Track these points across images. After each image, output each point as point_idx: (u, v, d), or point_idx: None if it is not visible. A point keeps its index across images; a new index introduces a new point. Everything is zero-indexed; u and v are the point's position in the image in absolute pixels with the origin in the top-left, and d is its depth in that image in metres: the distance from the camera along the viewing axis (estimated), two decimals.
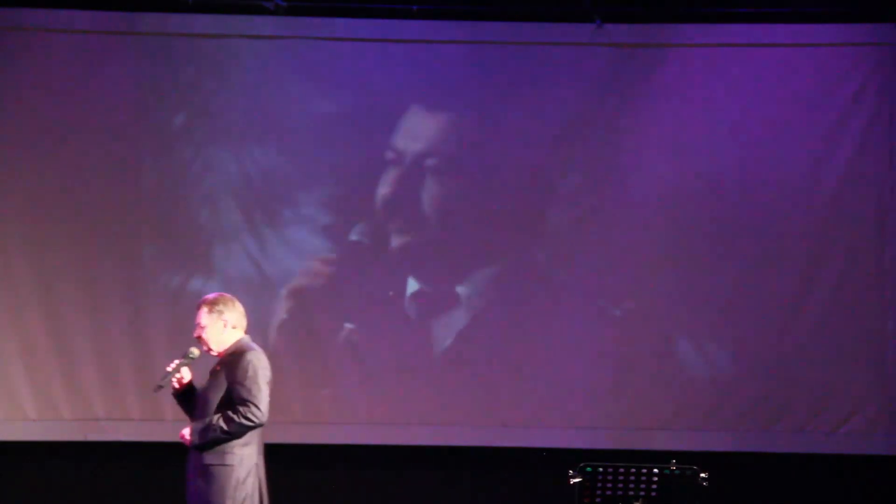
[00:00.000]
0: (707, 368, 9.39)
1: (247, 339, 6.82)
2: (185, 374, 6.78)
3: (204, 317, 6.75)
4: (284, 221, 9.39)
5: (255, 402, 6.56)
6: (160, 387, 6.76)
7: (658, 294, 9.38)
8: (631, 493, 7.43)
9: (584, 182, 9.43)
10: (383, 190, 9.43)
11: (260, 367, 6.65)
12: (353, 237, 9.43)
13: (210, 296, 6.87)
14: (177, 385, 6.77)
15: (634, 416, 9.33)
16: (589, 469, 7.47)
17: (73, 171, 9.32)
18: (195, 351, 6.82)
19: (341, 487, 9.45)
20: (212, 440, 6.57)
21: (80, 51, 9.32)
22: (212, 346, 6.76)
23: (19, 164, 9.31)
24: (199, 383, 6.82)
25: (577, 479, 7.47)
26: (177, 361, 6.76)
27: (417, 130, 9.44)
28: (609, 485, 7.45)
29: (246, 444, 6.63)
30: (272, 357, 6.88)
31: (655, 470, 7.42)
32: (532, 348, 9.38)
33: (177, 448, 9.07)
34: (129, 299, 9.30)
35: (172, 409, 9.15)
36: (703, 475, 7.42)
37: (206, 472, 6.58)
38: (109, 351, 9.27)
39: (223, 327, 6.75)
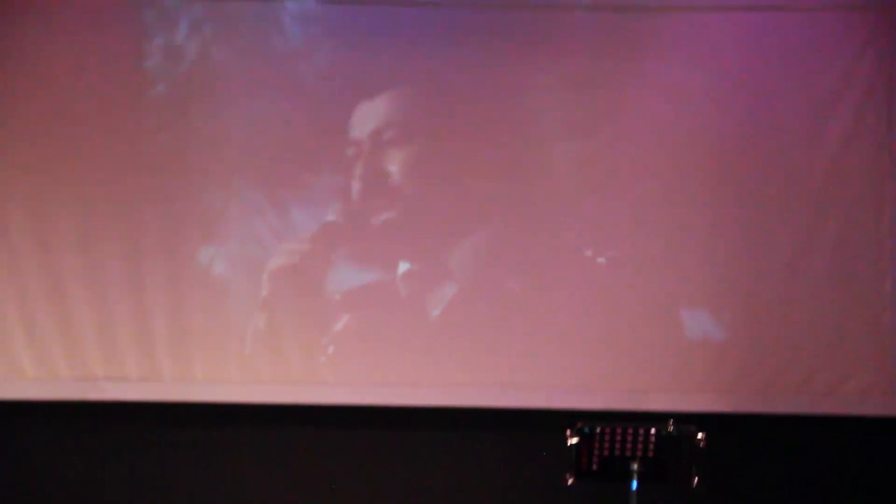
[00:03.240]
0: (704, 330, 9.40)
1: None
2: None
3: None
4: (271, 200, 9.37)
5: None
6: None
7: (655, 255, 9.37)
8: (628, 453, 7.46)
9: (576, 136, 9.41)
10: (359, 167, 9.42)
11: None
12: (330, 217, 9.42)
13: None
14: None
15: (631, 377, 9.34)
16: (586, 430, 7.49)
17: (77, 130, 9.26)
18: None
19: (340, 447, 9.46)
20: None
21: (82, 14, 9.30)
22: None
23: (21, 122, 9.26)
24: None
25: (574, 440, 7.49)
26: None
27: (388, 99, 9.43)
28: (606, 445, 7.47)
29: None
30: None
31: (653, 430, 7.45)
32: (527, 311, 9.37)
33: (176, 409, 9.23)
34: (128, 258, 9.26)
35: (171, 369, 9.24)
36: (700, 435, 7.44)
37: None
38: (107, 310, 9.23)
39: None
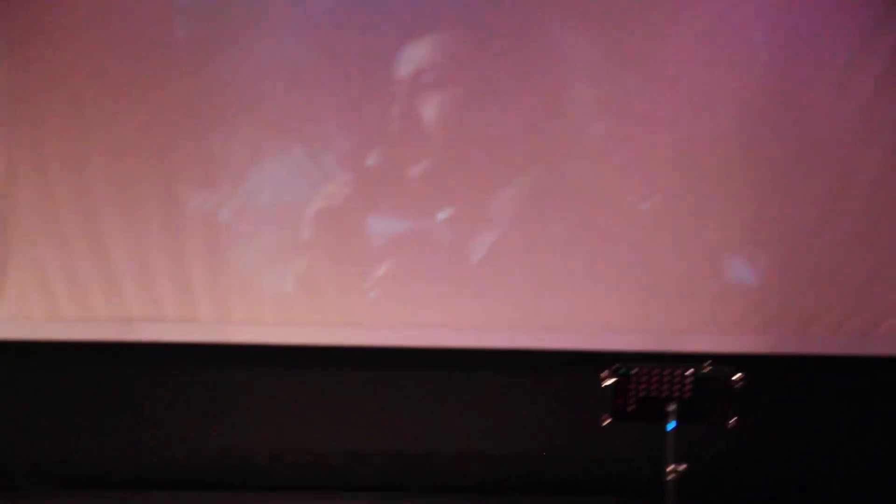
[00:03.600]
0: (741, 273, 9.40)
1: None
2: None
3: None
4: (300, 144, 9.37)
5: None
6: None
7: (693, 201, 9.36)
8: (665, 393, 7.47)
9: (614, 81, 9.37)
10: (399, 111, 9.41)
11: None
12: (371, 161, 9.42)
13: None
14: None
15: (669, 319, 9.36)
16: (623, 370, 7.50)
17: (108, 77, 9.27)
18: None
19: (378, 388, 9.52)
20: None
21: None
22: None
23: (59, 64, 9.27)
24: None
25: (610, 381, 7.50)
26: None
27: (430, 43, 9.41)
28: (643, 386, 7.48)
29: None
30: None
31: (690, 371, 7.45)
32: (566, 255, 9.37)
33: (213, 348, 9.29)
34: (164, 200, 9.29)
35: (208, 310, 9.29)
36: (738, 376, 7.45)
37: None
38: (145, 250, 9.28)
39: None
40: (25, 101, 9.21)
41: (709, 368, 7.45)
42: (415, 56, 9.39)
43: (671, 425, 7.43)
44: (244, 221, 9.36)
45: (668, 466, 7.39)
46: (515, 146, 9.39)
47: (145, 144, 9.29)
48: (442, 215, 9.43)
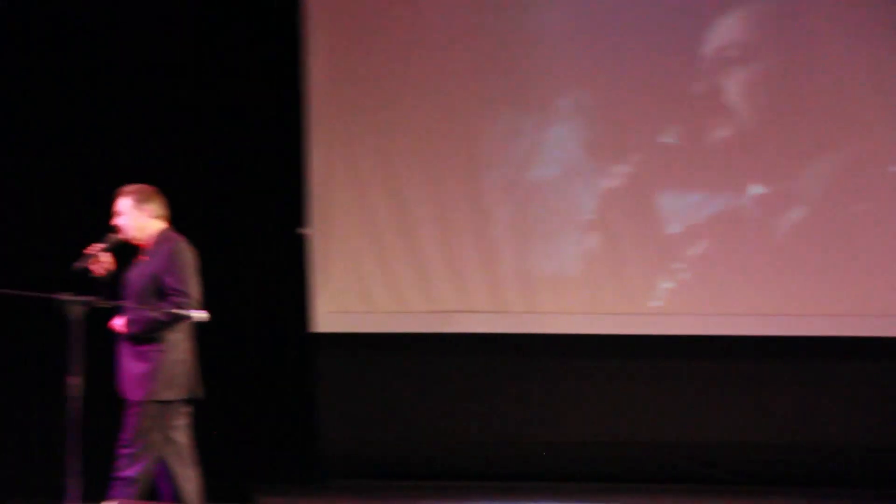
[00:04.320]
0: None
1: (171, 228, 6.92)
2: (108, 260, 6.84)
3: (122, 205, 6.88)
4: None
5: (187, 291, 6.70)
6: (80, 269, 6.78)
7: None
8: None
9: None
10: (699, 86, 9.32)
11: (189, 258, 6.79)
12: (666, 139, 9.37)
13: (130, 186, 6.94)
14: (100, 270, 6.81)
15: None
16: None
17: (417, 77, 9.48)
18: (113, 237, 6.87)
19: (679, 378, 9.49)
20: (146, 329, 6.69)
21: None
22: (131, 235, 6.87)
23: (368, 65, 9.52)
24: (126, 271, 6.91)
25: None
26: (96, 246, 6.82)
27: (732, 19, 9.29)
28: None
29: (177, 331, 6.74)
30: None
31: None
32: (875, 238, 9.17)
33: (522, 339, 9.41)
34: (471, 189, 9.46)
35: (518, 300, 9.41)
36: None
37: (140, 357, 6.73)
38: (456, 243, 9.45)
39: (143, 217, 6.87)
40: (339, 104, 9.49)
41: None
42: (720, 31, 9.29)
43: None
44: (548, 211, 9.46)
45: None
46: (818, 123, 9.20)
47: (452, 142, 9.48)
48: (745, 193, 9.30)
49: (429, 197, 9.46)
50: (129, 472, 6.71)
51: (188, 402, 6.89)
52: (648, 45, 9.30)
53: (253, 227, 9.19)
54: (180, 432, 6.89)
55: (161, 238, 6.87)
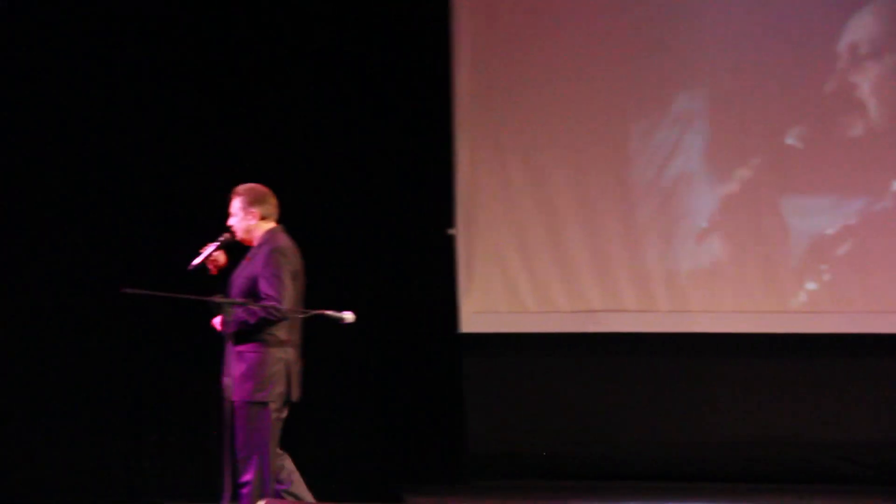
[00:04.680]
0: None
1: (278, 230, 6.88)
2: (220, 259, 6.86)
3: (234, 206, 6.88)
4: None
5: (277, 296, 6.65)
6: (196, 268, 6.80)
7: None
8: None
9: None
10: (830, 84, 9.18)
11: (284, 261, 6.72)
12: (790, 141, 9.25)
13: (242, 186, 6.92)
14: (212, 269, 6.83)
15: None
16: None
17: (569, 59, 9.49)
18: (227, 237, 6.87)
19: (834, 376, 9.36)
20: (240, 329, 6.65)
21: None
22: (240, 236, 6.86)
23: (510, 60, 9.54)
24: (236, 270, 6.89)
25: None
26: (211, 246, 6.83)
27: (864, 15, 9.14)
28: None
29: (277, 330, 6.72)
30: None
31: None
32: None
33: (673, 338, 9.35)
34: (617, 187, 9.43)
35: (667, 300, 9.36)
36: None
37: (240, 357, 6.69)
38: (602, 242, 9.43)
39: (252, 218, 6.85)
40: (486, 105, 9.52)
41: None
42: (853, 29, 9.16)
43: None
44: (688, 208, 9.40)
45: None
46: None
47: (598, 138, 9.43)
48: (890, 189, 9.15)
49: (574, 196, 9.44)
50: (247, 476, 6.74)
51: (287, 404, 6.88)
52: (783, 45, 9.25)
53: (400, 229, 9.24)
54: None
55: (265, 239, 6.90)
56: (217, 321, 6.79)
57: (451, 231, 9.46)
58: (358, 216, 9.08)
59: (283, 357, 6.79)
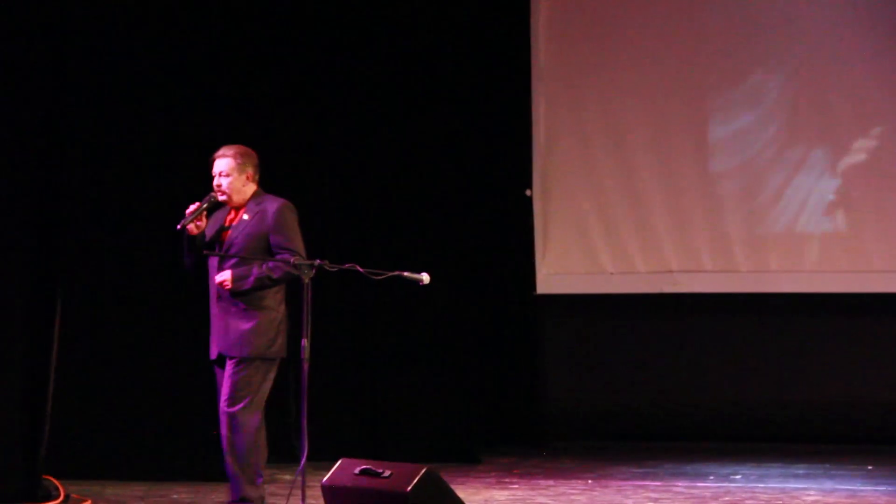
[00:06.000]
0: None
1: (262, 191, 6.79)
2: (202, 220, 6.74)
3: (227, 166, 6.77)
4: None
5: (298, 249, 6.63)
6: (182, 227, 6.64)
7: None
8: None
9: None
10: None
11: (294, 217, 6.71)
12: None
13: (232, 147, 6.80)
14: (194, 229, 6.71)
15: None
16: None
17: (649, 20, 9.44)
18: (213, 197, 6.72)
19: None
20: (256, 287, 6.63)
21: None
22: (232, 196, 6.75)
23: (594, 14, 9.51)
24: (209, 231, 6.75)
25: None
26: (200, 205, 6.69)
27: None
28: None
29: (278, 291, 6.69)
30: None
31: None
32: None
33: (751, 299, 9.28)
34: (697, 147, 9.37)
35: (746, 261, 9.29)
36: None
37: (247, 315, 6.64)
38: (681, 203, 9.36)
39: (248, 179, 6.76)
40: (564, 65, 9.49)
41: None
42: None
43: None
44: (773, 171, 9.32)
45: None
46: None
47: (678, 98, 9.37)
48: None
49: (654, 156, 9.38)
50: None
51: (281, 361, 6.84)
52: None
53: (477, 190, 9.21)
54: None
55: (259, 199, 6.83)
56: (224, 277, 6.72)
57: (528, 192, 9.43)
58: (436, 178, 9.05)
59: (287, 314, 6.82)
